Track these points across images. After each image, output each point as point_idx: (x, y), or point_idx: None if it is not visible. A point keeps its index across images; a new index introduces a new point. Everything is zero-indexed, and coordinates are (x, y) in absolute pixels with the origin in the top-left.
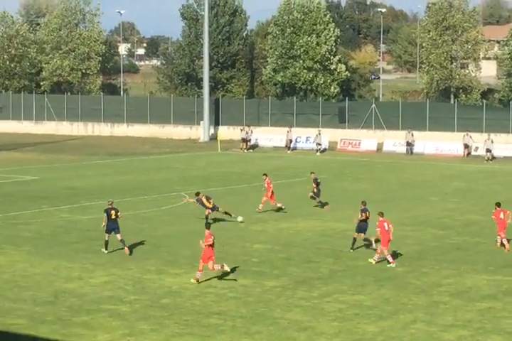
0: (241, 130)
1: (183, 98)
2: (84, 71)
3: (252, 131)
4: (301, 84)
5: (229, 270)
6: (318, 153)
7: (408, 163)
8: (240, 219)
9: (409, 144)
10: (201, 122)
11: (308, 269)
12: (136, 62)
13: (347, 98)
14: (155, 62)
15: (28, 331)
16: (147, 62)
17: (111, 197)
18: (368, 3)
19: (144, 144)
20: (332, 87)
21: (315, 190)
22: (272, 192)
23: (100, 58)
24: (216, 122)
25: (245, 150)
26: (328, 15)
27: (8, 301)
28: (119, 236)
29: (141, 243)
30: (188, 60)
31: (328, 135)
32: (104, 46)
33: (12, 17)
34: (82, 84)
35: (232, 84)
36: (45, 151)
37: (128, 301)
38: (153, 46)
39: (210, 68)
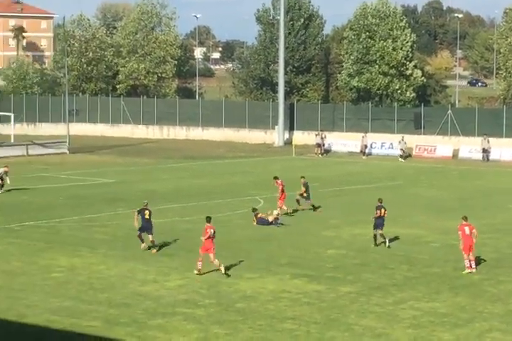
0: (316, 135)
1: (258, 102)
2: (160, 74)
3: (325, 136)
4: (376, 90)
5: (223, 271)
6: (401, 159)
7: (484, 169)
8: (275, 212)
9: (485, 151)
10: (276, 127)
11: (383, 275)
12: (212, 66)
13: (423, 104)
14: (230, 66)
15: (104, 333)
16: (222, 67)
17: (186, 201)
18: (445, 8)
19: (219, 148)
20: (408, 93)
21: (304, 194)
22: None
23: (176, 62)
24: (291, 127)
25: (320, 155)
26: (404, 21)
27: (83, 303)
28: (150, 237)
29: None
30: (263, 64)
31: None
32: (179, 50)
33: (89, 20)
34: (158, 88)
35: (307, 89)
36: (121, 154)
37: (203, 305)
38: (229, 50)
39: (285, 73)
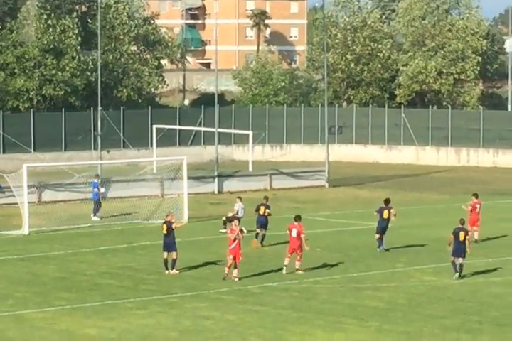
0: None
1: None
2: (456, 76)
3: None
4: None
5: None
6: None
7: None
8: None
9: None
10: None
11: None
12: None
13: None
14: None
15: None
16: None
17: (496, 254)
18: None
19: None
20: None
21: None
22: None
23: (480, 58)
24: None
25: None
26: None
27: None
28: (174, 254)
29: None
30: None
31: None
32: (485, 41)
33: (358, 1)
34: (454, 95)
35: None
36: (400, 188)
37: None
38: None
39: None
